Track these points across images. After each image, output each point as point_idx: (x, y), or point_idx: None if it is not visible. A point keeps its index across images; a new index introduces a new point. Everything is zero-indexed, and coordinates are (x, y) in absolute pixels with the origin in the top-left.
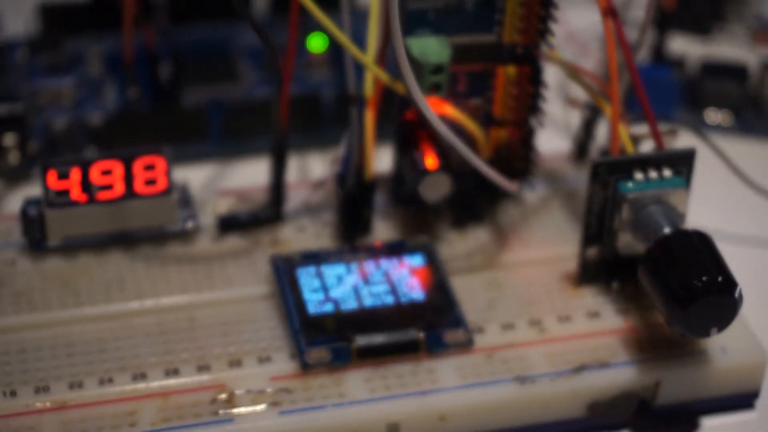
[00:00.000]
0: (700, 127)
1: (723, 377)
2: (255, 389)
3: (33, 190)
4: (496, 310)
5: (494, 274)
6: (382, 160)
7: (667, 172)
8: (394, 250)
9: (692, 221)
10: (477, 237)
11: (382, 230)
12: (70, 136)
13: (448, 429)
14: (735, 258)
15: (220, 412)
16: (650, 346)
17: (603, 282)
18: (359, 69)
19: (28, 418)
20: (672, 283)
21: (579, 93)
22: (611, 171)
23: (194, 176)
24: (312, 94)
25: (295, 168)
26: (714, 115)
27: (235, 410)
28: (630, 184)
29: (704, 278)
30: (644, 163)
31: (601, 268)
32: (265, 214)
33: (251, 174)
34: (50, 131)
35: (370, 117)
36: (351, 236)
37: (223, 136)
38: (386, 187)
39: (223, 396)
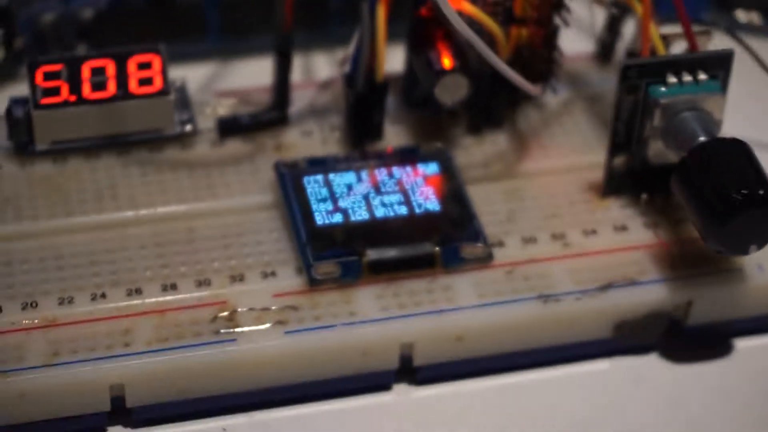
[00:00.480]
0: (733, 29)
1: (759, 296)
2: (259, 306)
3: (20, 89)
4: (517, 222)
5: (514, 184)
6: (393, 60)
7: (702, 76)
8: (407, 156)
9: (726, 130)
10: (495, 143)
11: (393, 135)
12: (59, 32)
13: (465, 350)
14: None
15: (222, 330)
16: (681, 263)
17: (630, 193)
18: None
19: (14, 336)
20: (709, 196)
21: None
22: (642, 74)
23: (192, 76)
24: None
25: (299, 68)
26: (744, 16)
27: (238, 329)
28: (662, 89)
29: (744, 191)
30: (678, 65)
31: (629, 179)
32: (268, 117)
33: (253, 73)
34: (38, 26)
35: (381, 13)
36: (361, 141)
37: (223, 33)
38: (397, 88)
39: (225, 314)
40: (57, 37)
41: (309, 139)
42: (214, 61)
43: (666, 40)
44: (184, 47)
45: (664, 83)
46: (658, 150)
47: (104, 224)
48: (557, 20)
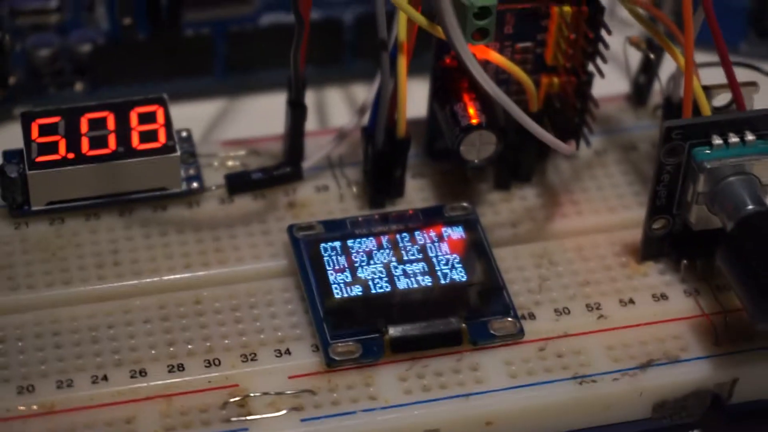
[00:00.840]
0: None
1: None
2: (273, 390)
3: (14, 131)
4: (548, 291)
5: (544, 246)
6: (413, 99)
7: (750, 137)
8: (431, 218)
9: None
10: (524, 199)
11: (415, 190)
12: (56, 68)
13: None
14: None
15: (233, 419)
16: (726, 337)
17: (670, 258)
18: (391, 6)
19: (10, 425)
20: (759, 274)
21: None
22: (686, 136)
23: (198, 115)
24: (333, 19)
25: (313, 108)
26: None
27: (250, 417)
28: (708, 151)
29: None
30: (723, 126)
31: (668, 243)
32: (281, 172)
33: (262, 112)
34: (33, 61)
35: (403, 65)
36: (381, 200)
37: (230, 67)
38: (418, 136)
39: (236, 399)
40: (53, 73)
41: (325, 194)
42: (221, 97)
43: (708, 91)
44: (189, 83)
45: (710, 145)
46: (701, 215)
47: (105, 294)
48: (591, 68)
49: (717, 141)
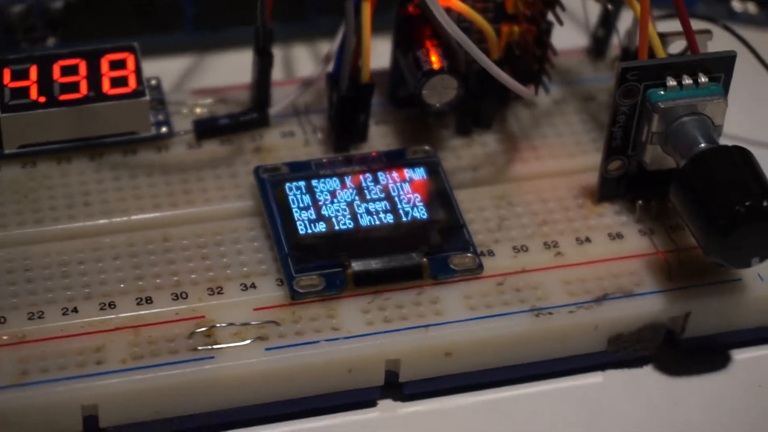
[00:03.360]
0: (727, 20)
1: (759, 307)
2: (238, 321)
3: None
4: (507, 230)
5: (504, 189)
6: (377, 53)
7: (703, 79)
8: (393, 160)
9: (725, 130)
10: (484, 145)
11: (379, 136)
12: (28, 24)
13: (454, 365)
14: None
15: (200, 347)
16: (679, 273)
17: (626, 199)
18: None
19: None
20: (711, 208)
21: None
22: (641, 77)
23: (167, 70)
24: None
25: (279, 63)
26: (740, 6)
27: (217, 346)
28: (662, 92)
29: (747, 202)
30: (678, 68)
31: (624, 184)
32: (247, 118)
33: (231, 67)
34: (5, 17)
35: (367, 11)
36: (345, 144)
37: (199, 25)
38: (382, 86)
39: (203, 329)
40: (26, 29)
41: (290, 140)
42: (190, 54)
43: (663, 39)
44: (158, 39)
45: (664, 87)
46: (655, 155)
47: (76, 233)
48: (550, 17)
49: (671, 82)
